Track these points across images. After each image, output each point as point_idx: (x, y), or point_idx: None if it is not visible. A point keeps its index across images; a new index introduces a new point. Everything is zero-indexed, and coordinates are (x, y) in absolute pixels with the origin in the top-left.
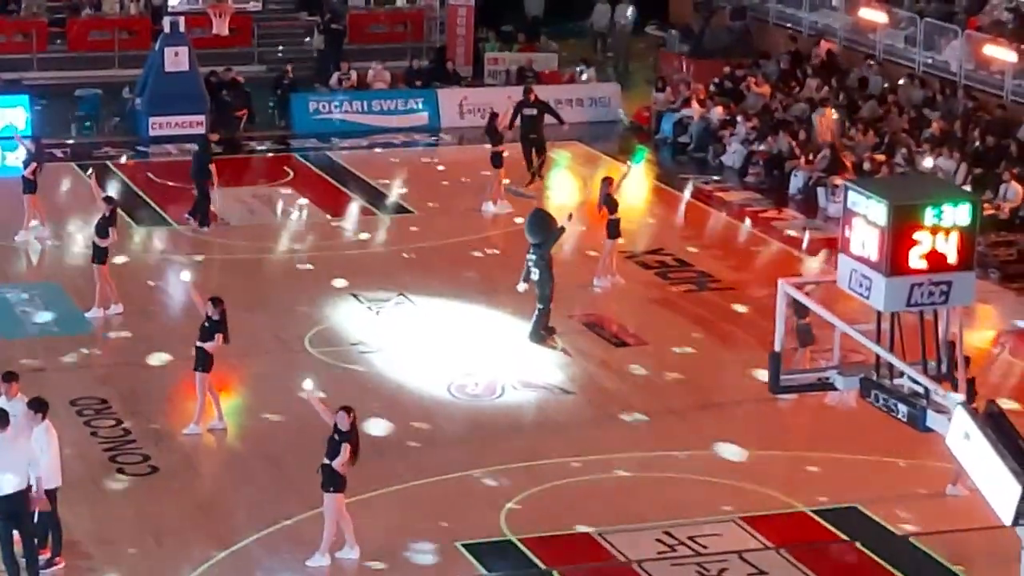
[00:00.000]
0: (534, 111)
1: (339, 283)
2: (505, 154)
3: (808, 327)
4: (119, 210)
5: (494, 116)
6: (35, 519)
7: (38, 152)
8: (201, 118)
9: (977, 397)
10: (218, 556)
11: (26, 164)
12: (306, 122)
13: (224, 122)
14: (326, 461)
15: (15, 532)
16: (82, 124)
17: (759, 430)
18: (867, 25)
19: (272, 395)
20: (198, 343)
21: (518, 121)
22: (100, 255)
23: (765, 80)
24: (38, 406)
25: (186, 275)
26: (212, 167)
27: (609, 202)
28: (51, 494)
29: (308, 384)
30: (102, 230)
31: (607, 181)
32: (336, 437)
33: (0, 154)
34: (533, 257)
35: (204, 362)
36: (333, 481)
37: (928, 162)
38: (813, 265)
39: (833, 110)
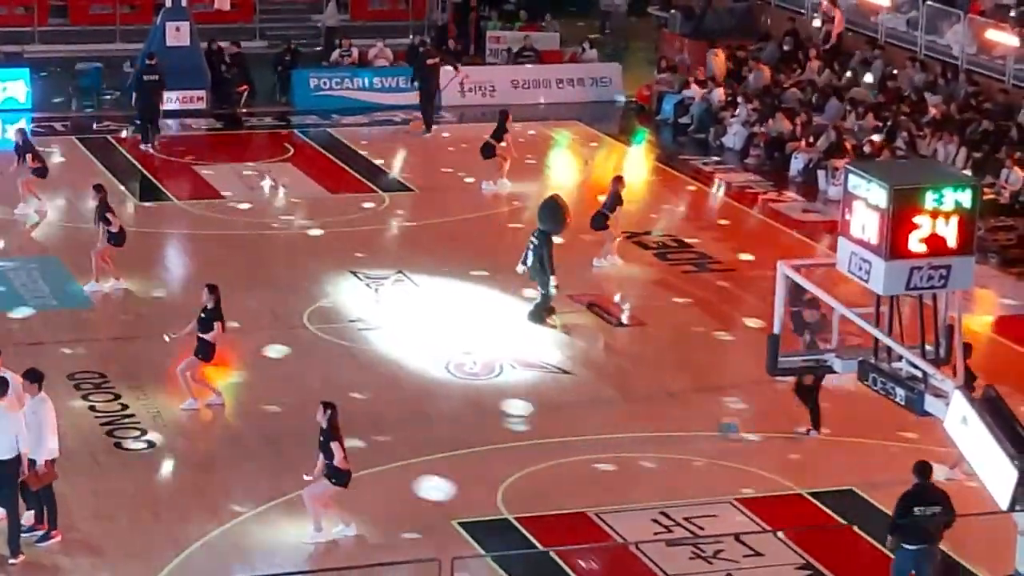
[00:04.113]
0: (437, 59)
1: (338, 260)
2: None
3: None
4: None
5: (504, 114)
6: (18, 490)
7: (26, 145)
8: (202, 93)
9: (976, 381)
10: (215, 531)
11: (22, 157)
12: (307, 98)
13: (225, 97)
14: (326, 461)
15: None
16: (82, 98)
17: (757, 412)
18: (869, 8)
19: (270, 371)
20: (199, 334)
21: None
22: (116, 239)
23: (766, 63)
24: (34, 377)
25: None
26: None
27: (614, 200)
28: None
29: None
30: (103, 217)
31: (618, 180)
32: (322, 438)
33: (0, 127)
34: (535, 242)
35: (205, 351)
36: (336, 475)
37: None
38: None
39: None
